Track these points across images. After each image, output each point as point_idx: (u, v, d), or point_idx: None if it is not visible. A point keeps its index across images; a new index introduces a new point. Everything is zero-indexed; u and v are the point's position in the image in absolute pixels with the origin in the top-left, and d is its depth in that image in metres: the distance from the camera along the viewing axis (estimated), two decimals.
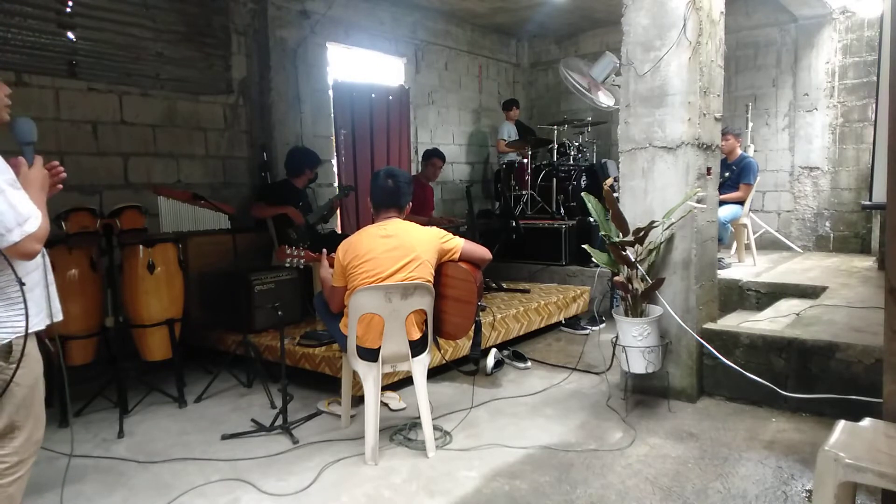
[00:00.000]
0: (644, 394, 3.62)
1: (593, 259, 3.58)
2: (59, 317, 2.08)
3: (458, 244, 3.06)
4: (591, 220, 4.76)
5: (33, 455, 2.03)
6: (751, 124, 6.84)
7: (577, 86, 6.78)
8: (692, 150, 3.42)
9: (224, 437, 3.18)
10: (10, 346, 1.89)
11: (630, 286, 3.38)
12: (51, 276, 2.06)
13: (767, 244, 6.96)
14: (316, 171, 5.15)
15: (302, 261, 3.22)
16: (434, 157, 6.21)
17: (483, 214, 7.28)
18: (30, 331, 1.92)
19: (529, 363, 4.35)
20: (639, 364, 3.34)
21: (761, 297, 4.95)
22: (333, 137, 6.26)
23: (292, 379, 3.67)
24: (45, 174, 2.00)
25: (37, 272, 1.99)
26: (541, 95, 8.94)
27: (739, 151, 5.85)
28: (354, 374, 3.09)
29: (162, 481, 2.74)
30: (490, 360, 4.16)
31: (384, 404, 3.51)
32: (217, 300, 4.52)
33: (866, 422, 2.05)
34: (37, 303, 1.98)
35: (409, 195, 3.07)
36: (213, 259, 4.60)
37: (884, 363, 2.09)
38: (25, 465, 2.00)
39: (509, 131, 7.51)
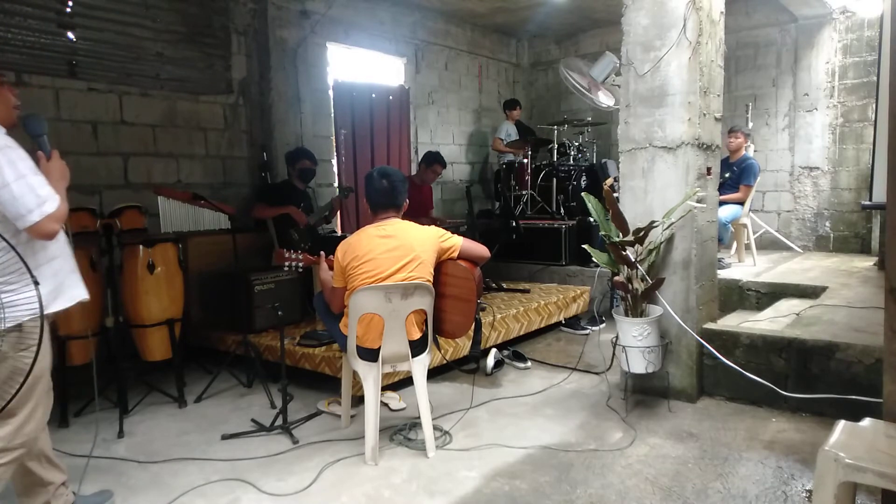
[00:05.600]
0: (644, 394, 3.62)
1: (593, 259, 3.58)
2: (84, 296, 2.17)
3: (457, 242, 3.06)
4: (591, 220, 4.76)
5: (21, 448, 2.01)
6: (751, 124, 6.83)
7: (577, 86, 6.78)
8: (692, 150, 3.42)
9: (224, 437, 3.18)
10: (20, 327, 1.91)
11: (630, 286, 3.38)
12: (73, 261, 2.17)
13: (767, 244, 6.96)
14: (310, 161, 5.10)
15: (300, 264, 3.22)
16: (436, 164, 6.00)
17: (483, 214, 7.27)
18: (53, 310, 1.99)
19: (529, 363, 4.35)
20: (639, 364, 3.34)
21: (761, 297, 4.95)
22: (333, 137, 6.26)
23: (292, 379, 3.66)
24: (62, 164, 2.15)
25: (61, 258, 2.09)
26: (541, 95, 8.94)
27: (744, 151, 5.85)
28: (354, 374, 3.09)
29: (162, 481, 2.74)
30: (490, 360, 4.16)
31: (384, 404, 3.51)
32: (217, 300, 4.52)
33: (866, 422, 2.05)
34: (59, 286, 2.06)
35: (404, 193, 3.06)
36: (213, 259, 4.59)
37: (884, 363, 2.09)
38: (10, 455, 1.98)
39: (509, 131, 7.50)
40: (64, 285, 2.08)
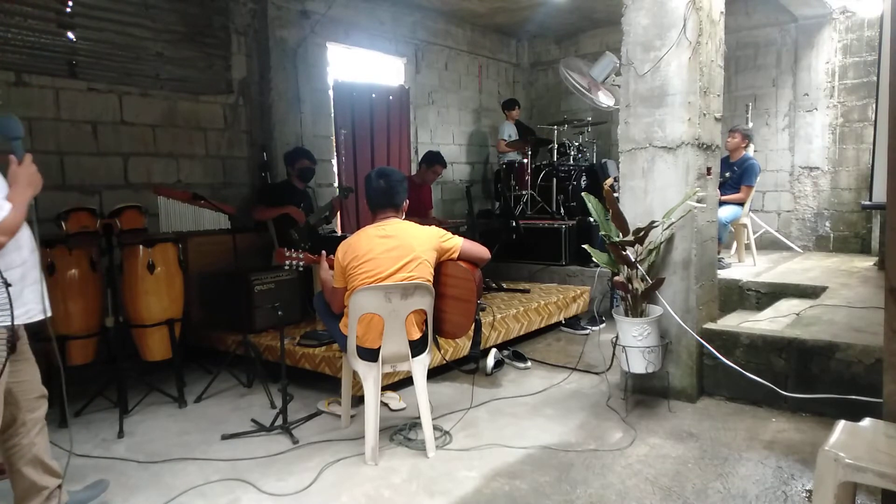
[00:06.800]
0: (644, 394, 3.62)
1: (593, 259, 3.58)
2: (48, 313, 2.13)
3: (457, 243, 3.06)
4: (591, 220, 4.76)
5: None
6: (751, 124, 6.82)
7: (577, 86, 6.78)
8: (692, 150, 3.42)
9: (224, 437, 3.18)
10: None
11: (630, 286, 3.38)
12: (39, 273, 2.09)
13: (767, 244, 6.96)
14: (308, 160, 5.09)
15: (301, 263, 3.22)
16: (437, 164, 5.94)
17: (483, 214, 7.27)
18: (4, 323, 1.93)
19: (529, 363, 4.35)
20: (639, 364, 3.34)
21: (761, 297, 4.94)
22: (333, 137, 6.26)
23: (292, 379, 3.66)
24: (31, 171, 2.03)
25: (21, 268, 2.01)
26: (541, 95, 8.94)
27: (744, 152, 5.84)
28: (354, 374, 3.09)
29: (162, 481, 2.75)
30: (490, 360, 4.16)
31: (384, 404, 3.51)
32: (217, 300, 4.52)
33: (866, 422, 2.05)
34: (28, 298, 2.02)
35: (403, 193, 3.06)
36: (213, 259, 4.60)
37: (884, 363, 2.09)
38: None
39: (509, 131, 7.51)
40: (20, 299, 1.99)
